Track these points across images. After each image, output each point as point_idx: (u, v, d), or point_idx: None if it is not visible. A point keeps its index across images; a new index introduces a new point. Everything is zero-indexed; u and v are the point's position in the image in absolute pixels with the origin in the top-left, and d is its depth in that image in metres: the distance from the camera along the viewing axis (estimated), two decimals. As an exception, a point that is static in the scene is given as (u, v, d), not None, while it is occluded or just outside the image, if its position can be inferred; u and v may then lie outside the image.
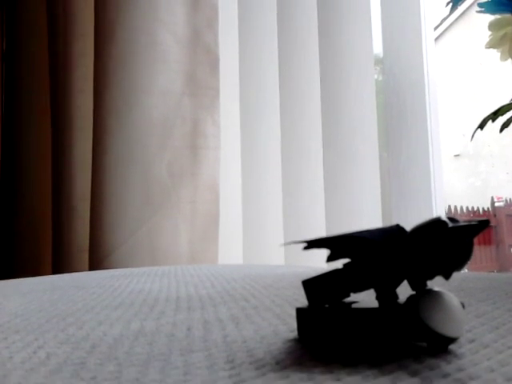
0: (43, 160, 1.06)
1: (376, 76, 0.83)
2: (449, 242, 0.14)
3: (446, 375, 0.13)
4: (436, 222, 0.14)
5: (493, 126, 0.44)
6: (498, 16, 0.45)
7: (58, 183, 0.98)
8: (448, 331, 0.14)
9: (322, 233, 0.75)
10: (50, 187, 1.01)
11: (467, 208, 3.72)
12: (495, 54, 0.48)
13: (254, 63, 0.89)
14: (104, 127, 0.81)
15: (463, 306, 0.16)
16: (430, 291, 0.15)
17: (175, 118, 0.81)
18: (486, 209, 3.72)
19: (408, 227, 0.15)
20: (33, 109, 1.12)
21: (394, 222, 0.16)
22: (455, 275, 0.15)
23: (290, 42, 0.84)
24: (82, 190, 0.91)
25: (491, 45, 0.47)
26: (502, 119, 0.43)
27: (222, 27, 0.86)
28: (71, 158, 0.95)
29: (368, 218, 0.72)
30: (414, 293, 0.15)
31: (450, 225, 0.14)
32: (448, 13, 0.46)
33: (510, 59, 0.46)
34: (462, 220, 0.15)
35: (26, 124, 1.13)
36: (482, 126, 0.44)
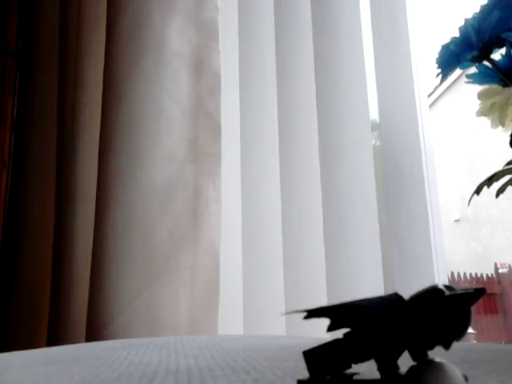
0: (45, 227, 1.06)
1: (374, 141, 0.85)
2: (446, 310, 0.14)
3: None
4: (433, 291, 0.14)
5: (491, 191, 0.45)
6: (486, 86, 0.47)
7: (60, 250, 0.97)
8: (451, 404, 0.14)
9: (323, 301, 0.73)
10: (51, 254, 1.00)
11: (470, 274, 3.66)
12: (487, 120, 0.50)
13: (255, 130, 0.91)
14: (107, 192, 0.82)
15: (466, 379, 0.15)
16: (432, 362, 0.15)
17: (177, 184, 0.82)
18: (489, 275, 3.66)
19: (410, 294, 0.15)
20: (38, 177, 1.14)
21: (396, 289, 0.16)
22: (460, 346, 0.15)
23: (290, 110, 0.87)
24: (83, 257, 0.91)
25: (482, 113, 0.49)
26: (497, 184, 0.44)
27: (224, 93, 0.90)
28: (73, 223, 0.96)
29: (370, 284, 0.71)
30: (415, 364, 0.15)
31: (447, 293, 0.14)
32: (438, 82, 0.48)
33: (500, 126, 0.48)
34: (463, 287, 0.15)
35: (30, 189, 1.15)
36: (478, 191, 0.44)
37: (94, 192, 0.86)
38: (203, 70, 0.89)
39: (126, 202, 0.80)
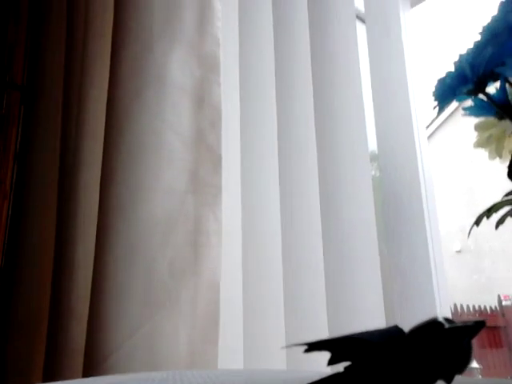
0: (44, 259, 1.06)
1: (373, 172, 0.86)
2: (446, 343, 0.14)
3: None
4: (432, 323, 0.14)
5: (491, 222, 0.45)
6: (482, 118, 0.48)
7: (58, 283, 0.97)
8: None
9: (324, 333, 0.72)
10: (50, 286, 1.00)
11: (474, 307, 3.60)
12: (484, 151, 0.50)
13: (255, 162, 0.92)
14: (108, 224, 0.82)
15: (469, 413, 0.15)
16: (434, 396, 0.15)
17: (178, 216, 0.82)
18: (493, 308, 3.61)
19: (411, 326, 0.15)
20: (39, 207, 1.14)
21: (397, 321, 0.16)
22: (464, 380, 0.15)
23: (289, 142, 0.88)
24: (83, 289, 0.90)
25: (479, 145, 0.49)
26: (497, 215, 0.44)
27: (224, 126, 0.91)
28: (73, 256, 0.95)
29: (371, 316, 0.70)
30: (416, 398, 0.15)
31: (447, 326, 0.14)
32: (436, 115, 0.49)
33: (497, 158, 0.48)
34: (465, 320, 0.15)
35: (30, 221, 1.15)
36: (477, 222, 0.44)
37: (95, 224, 0.86)
38: (204, 102, 0.90)
39: (127, 233, 0.80)
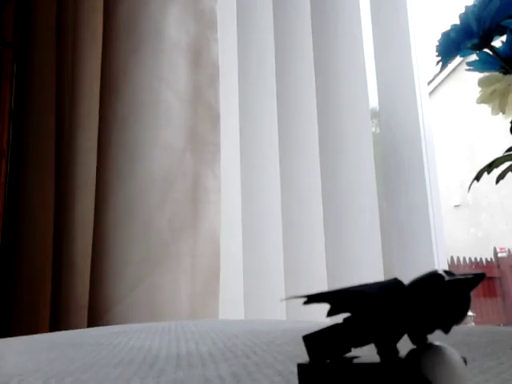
0: (45, 215, 1.06)
1: (373, 129, 0.85)
2: (446, 295, 0.14)
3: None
4: (433, 276, 0.14)
5: (490, 177, 0.45)
6: (486, 73, 0.47)
7: (60, 240, 0.98)
8: (450, 386, 0.14)
9: (323, 286, 0.74)
10: (52, 244, 1.01)
11: (470, 259, 3.69)
12: (487, 108, 0.50)
13: (254, 119, 0.91)
14: (106, 183, 0.82)
15: (465, 361, 0.16)
16: (431, 346, 0.15)
17: (177, 173, 0.82)
18: (489, 260, 3.69)
19: (409, 279, 0.15)
20: (37, 167, 1.14)
21: (395, 274, 0.16)
22: (459, 329, 0.15)
23: (289, 98, 0.87)
24: (84, 246, 0.91)
25: (482, 100, 0.49)
26: (497, 171, 0.44)
27: (223, 83, 0.89)
28: (73, 214, 0.96)
29: (369, 270, 0.71)
30: (414, 347, 0.15)
31: (447, 278, 0.14)
32: (439, 70, 0.48)
33: (500, 113, 0.48)
34: (463, 272, 0.15)
35: (29, 179, 1.15)
36: (478, 177, 0.44)
37: (94, 182, 0.86)
38: (201, 59, 0.88)
39: (125, 191, 0.80)
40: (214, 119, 0.87)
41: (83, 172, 0.97)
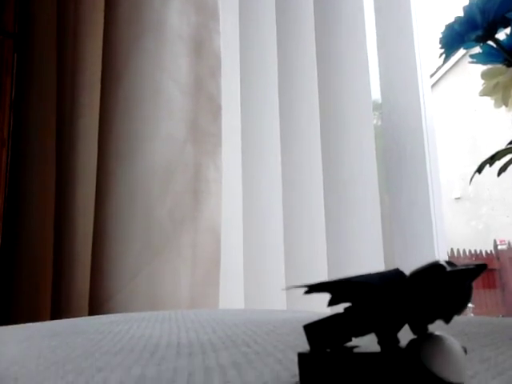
0: (46, 205, 1.07)
1: (375, 121, 0.85)
2: (447, 285, 0.14)
3: (449, 421, 0.13)
4: (434, 266, 0.14)
5: (492, 170, 0.45)
6: (489, 66, 0.47)
7: (60, 228, 0.98)
8: (450, 376, 0.14)
9: (323, 276, 0.74)
10: (52, 232, 1.01)
11: (470, 251, 3.70)
12: (489, 100, 0.49)
13: (256, 111, 0.91)
14: (107, 172, 0.82)
15: (465, 351, 0.16)
16: (432, 335, 0.15)
17: (177, 164, 0.82)
18: (489, 252, 3.71)
19: (409, 271, 0.15)
20: (38, 156, 1.14)
21: (396, 266, 0.16)
22: (459, 319, 0.15)
23: (290, 90, 0.86)
24: (84, 235, 0.91)
25: (485, 93, 0.48)
26: (499, 163, 0.44)
27: (225, 75, 0.89)
28: (74, 202, 0.96)
29: (370, 261, 0.72)
30: (415, 337, 0.15)
31: (448, 269, 0.14)
32: (442, 62, 0.48)
33: (503, 106, 0.48)
34: (463, 263, 0.15)
35: (31, 168, 1.15)
36: (479, 170, 0.44)
37: (95, 172, 0.86)
38: (203, 50, 0.88)
39: (126, 182, 0.80)
40: (215, 110, 0.87)
41: (84, 162, 0.97)
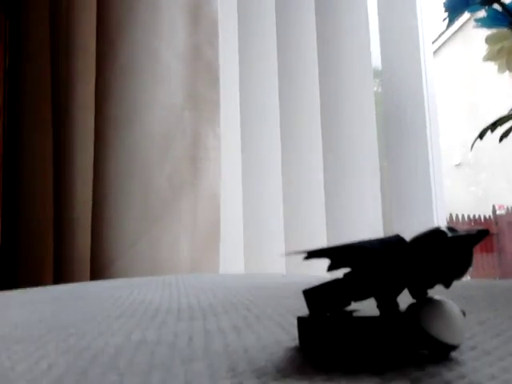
0: (44, 172, 1.06)
1: (376, 88, 0.84)
2: (448, 251, 0.14)
3: (447, 382, 0.13)
4: (435, 232, 0.14)
5: (493, 136, 0.44)
6: (494, 30, 0.46)
7: (60, 195, 0.98)
8: (448, 338, 0.14)
9: (323, 242, 0.75)
10: (52, 199, 1.01)
11: (468, 216, 3.74)
12: (492, 66, 0.49)
13: (254, 76, 0.89)
14: (105, 140, 0.82)
15: (464, 314, 0.16)
16: (431, 299, 0.15)
17: (176, 131, 0.82)
18: (487, 217, 3.74)
19: (409, 236, 0.15)
20: (35, 123, 1.13)
21: (395, 232, 0.16)
22: (456, 283, 0.15)
23: (290, 56, 0.85)
24: (84, 201, 0.91)
25: (489, 58, 0.47)
26: (501, 129, 0.44)
27: (222, 41, 0.87)
28: (72, 170, 0.96)
29: (369, 227, 0.72)
30: (414, 301, 0.15)
31: (450, 234, 0.14)
32: (445, 28, 0.47)
33: (507, 71, 0.47)
34: (463, 229, 0.15)
35: (27, 137, 1.14)
36: (481, 136, 0.44)
37: (92, 140, 0.85)
38: (200, 17, 0.86)
39: (124, 150, 0.80)
40: (214, 77, 0.85)
41: (81, 129, 0.96)
